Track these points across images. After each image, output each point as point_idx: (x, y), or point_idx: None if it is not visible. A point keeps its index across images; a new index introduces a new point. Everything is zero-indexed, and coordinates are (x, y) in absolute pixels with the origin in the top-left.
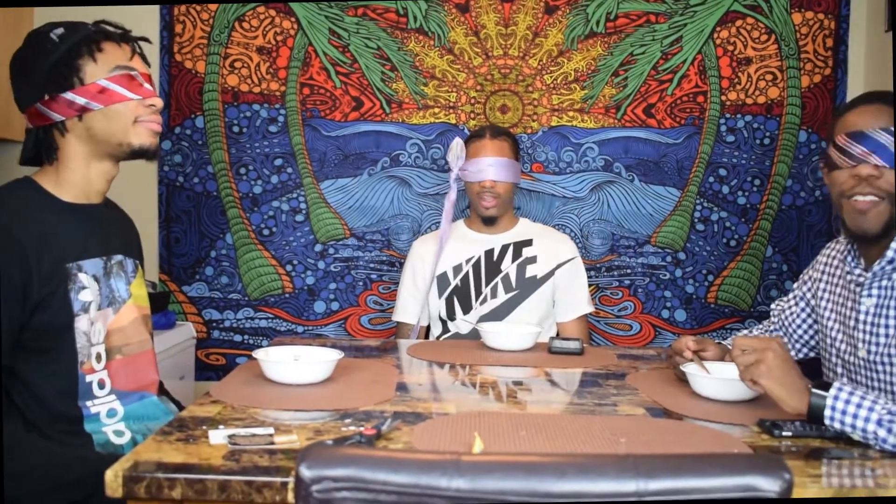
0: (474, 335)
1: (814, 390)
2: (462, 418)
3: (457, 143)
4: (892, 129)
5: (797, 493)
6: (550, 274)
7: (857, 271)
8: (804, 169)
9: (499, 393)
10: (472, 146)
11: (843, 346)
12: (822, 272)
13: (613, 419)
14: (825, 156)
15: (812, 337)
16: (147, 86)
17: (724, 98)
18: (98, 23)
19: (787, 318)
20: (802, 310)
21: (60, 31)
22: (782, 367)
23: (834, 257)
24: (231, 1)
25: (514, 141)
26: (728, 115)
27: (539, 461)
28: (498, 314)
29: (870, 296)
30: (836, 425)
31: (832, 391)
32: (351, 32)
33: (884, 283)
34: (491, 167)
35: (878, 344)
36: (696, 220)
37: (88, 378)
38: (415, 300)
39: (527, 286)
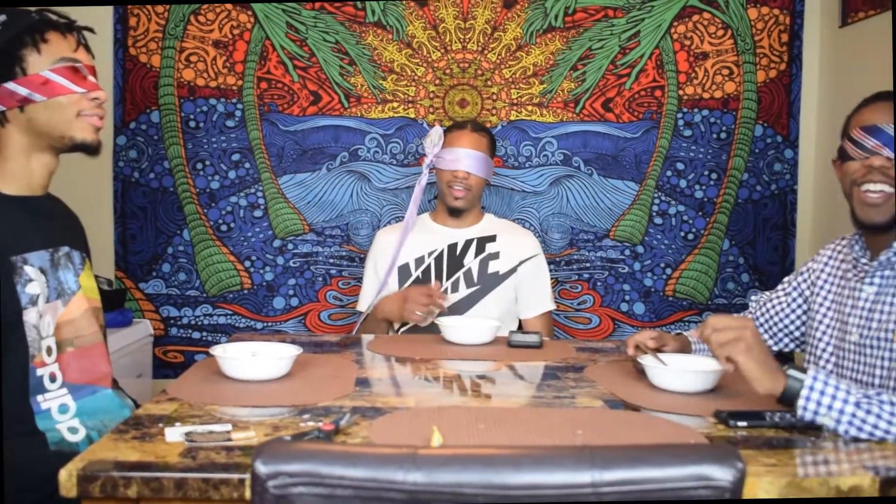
0: (434, 328)
1: (790, 372)
2: (421, 412)
3: (435, 131)
4: None
5: (751, 483)
6: (513, 270)
7: (864, 260)
8: (760, 163)
9: (459, 387)
10: (451, 135)
11: (835, 332)
12: (826, 263)
13: (571, 411)
14: (839, 149)
15: (798, 328)
16: (91, 78)
17: (681, 92)
18: (41, 11)
19: (772, 308)
20: (794, 300)
21: (2, 18)
22: (760, 347)
23: (839, 251)
24: (188, 1)
25: (493, 139)
26: (685, 110)
27: (496, 454)
28: (459, 308)
29: (871, 283)
30: (811, 406)
31: (810, 372)
32: (308, 26)
33: (887, 272)
34: (467, 158)
35: (870, 328)
36: (654, 214)
37: (39, 372)
38: (383, 292)
39: (489, 282)
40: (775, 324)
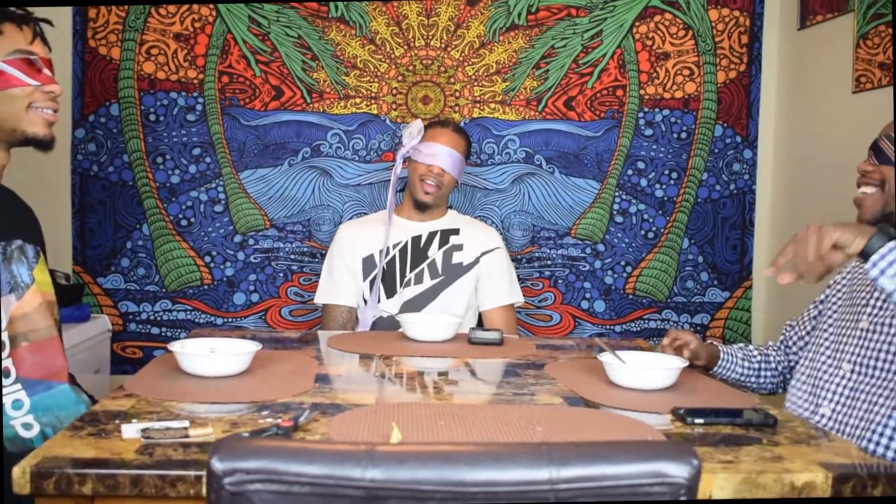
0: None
1: (882, 226)
2: (381, 409)
3: (416, 124)
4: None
5: (706, 479)
6: (475, 262)
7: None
8: (719, 163)
9: (419, 383)
10: (433, 130)
11: (842, 322)
12: (848, 269)
13: (531, 408)
14: None
15: (802, 338)
16: (46, 71)
17: (642, 92)
18: None
19: (797, 324)
20: (809, 311)
21: None
22: (829, 224)
23: None
24: (151, 3)
25: (469, 144)
26: (646, 109)
27: (453, 450)
28: (423, 299)
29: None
30: (882, 263)
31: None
32: (271, 20)
33: None
34: (445, 155)
35: (880, 316)
36: (614, 213)
37: None
38: (350, 283)
39: (452, 273)
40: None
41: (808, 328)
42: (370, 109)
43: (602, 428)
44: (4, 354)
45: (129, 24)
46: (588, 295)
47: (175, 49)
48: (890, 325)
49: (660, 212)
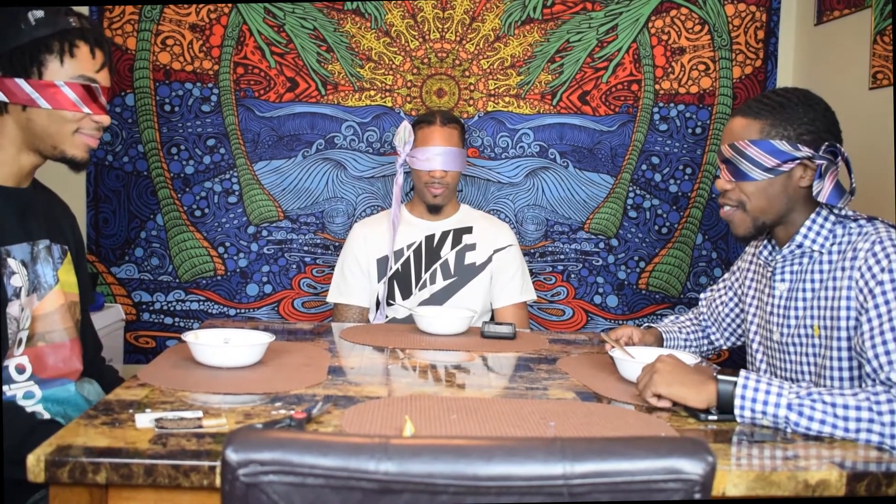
0: (412, 320)
1: (719, 377)
2: (393, 402)
3: (404, 128)
4: (744, 141)
5: (720, 476)
6: (488, 261)
7: (771, 256)
8: None
9: (432, 377)
10: (422, 132)
11: (761, 332)
12: (750, 262)
13: (544, 403)
14: None
15: (739, 326)
16: (102, 100)
17: (657, 87)
18: (71, 13)
19: (716, 307)
20: (731, 299)
21: (40, 14)
22: (673, 372)
23: (760, 248)
24: (171, 2)
25: (463, 128)
26: (661, 104)
27: (467, 444)
28: (437, 300)
29: (783, 280)
30: (747, 413)
31: (739, 380)
32: (286, 12)
33: (794, 267)
34: (440, 156)
35: (788, 326)
36: (628, 208)
37: (6, 363)
38: (363, 283)
39: (465, 273)
40: (720, 322)
41: (728, 308)
42: (384, 102)
43: (615, 423)
44: (19, 352)
45: (145, 15)
46: (601, 290)
47: (191, 40)
48: (799, 336)
49: (674, 207)
